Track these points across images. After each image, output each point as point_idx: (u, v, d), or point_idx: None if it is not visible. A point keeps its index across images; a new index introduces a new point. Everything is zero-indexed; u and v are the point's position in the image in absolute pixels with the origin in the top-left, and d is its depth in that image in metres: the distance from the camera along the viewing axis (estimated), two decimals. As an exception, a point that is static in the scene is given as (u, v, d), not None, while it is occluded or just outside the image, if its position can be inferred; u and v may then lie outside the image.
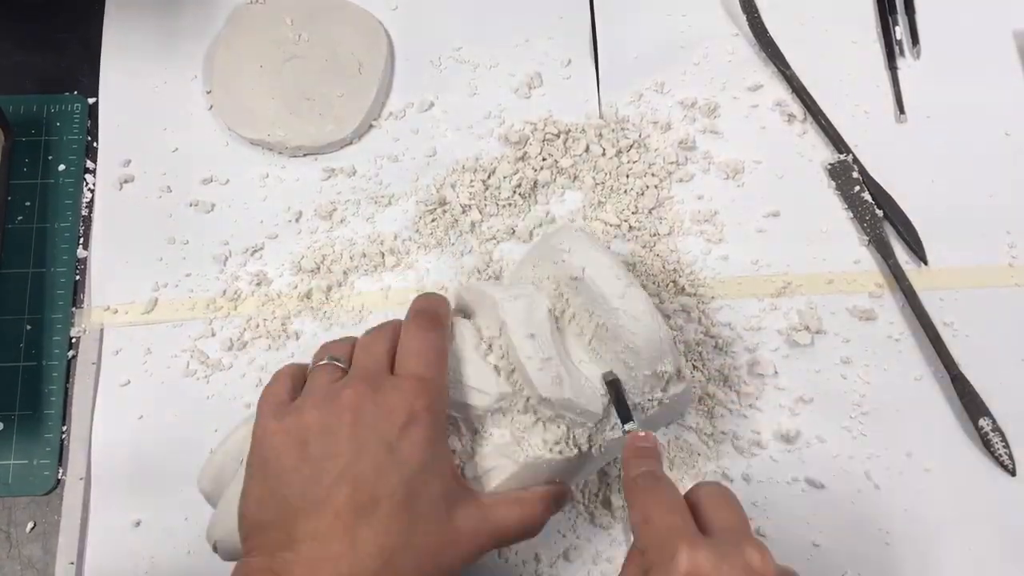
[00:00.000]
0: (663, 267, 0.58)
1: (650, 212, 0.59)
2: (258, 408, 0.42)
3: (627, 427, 0.43)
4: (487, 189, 0.60)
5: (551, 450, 0.44)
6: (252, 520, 0.40)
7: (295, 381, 0.43)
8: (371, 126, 0.63)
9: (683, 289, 0.57)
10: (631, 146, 0.61)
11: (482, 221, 0.59)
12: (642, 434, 0.42)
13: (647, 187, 0.60)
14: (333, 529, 0.37)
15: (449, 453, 0.42)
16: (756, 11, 0.64)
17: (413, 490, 0.38)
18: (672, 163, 0.61)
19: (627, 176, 0.60)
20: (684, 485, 0.51)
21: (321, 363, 0.43)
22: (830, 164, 0.61)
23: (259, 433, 0.41)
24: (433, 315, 0.44)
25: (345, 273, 0.58)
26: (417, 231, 0.59)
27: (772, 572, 0.34)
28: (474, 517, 0.40)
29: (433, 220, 0.59)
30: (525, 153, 0.61)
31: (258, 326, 0.57)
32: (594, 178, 0.60)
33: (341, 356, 0.43)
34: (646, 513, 0.37)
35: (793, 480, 0.54)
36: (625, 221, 0.59)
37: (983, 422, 0.53)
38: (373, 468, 0.38)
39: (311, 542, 0.37)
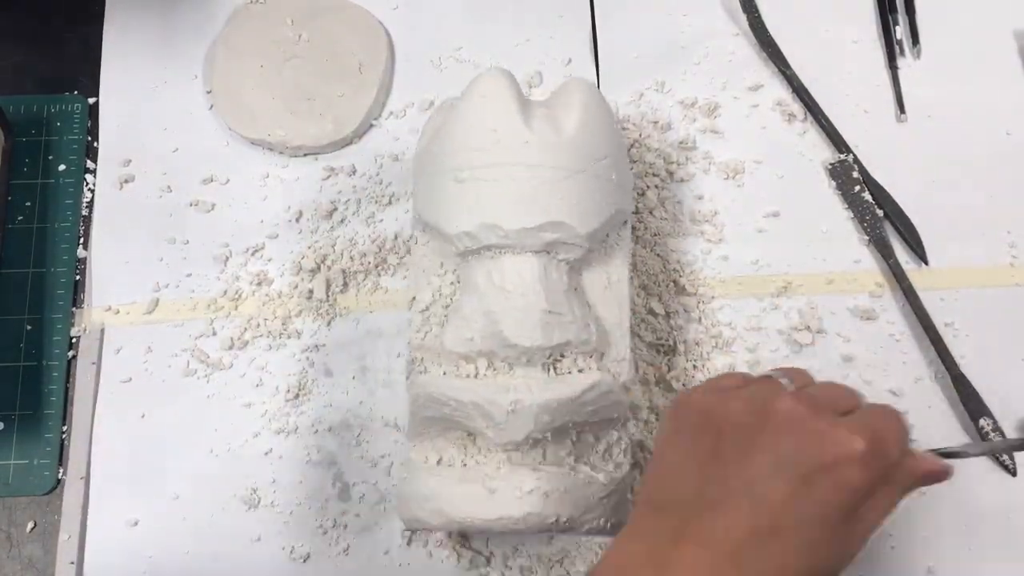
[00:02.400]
0: (663, 267, 0.58)
1: (651, 212, 0.59)
2: (703, 386, 0.41)
3: None
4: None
5: None
6: (647, 495, 0.39)
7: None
8: (371, 126, 0.63)
9: (684, 289, 0.57)
10: (631, 146, 0.61)
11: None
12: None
13: (647, 187, 0.60)
14: (721, 544, 0.35)
15: (865, 527, 0.37)
16: (756, 11, 0.64)
17: (817, 534, 0.35)
18: (672, 163, 0.61)
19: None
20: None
21: (766, 374, 0.41)
22: (830, 164, 0.61)
23: (682, 399, 0.40)
24: (898, 417, 0.40)
25: (345, 273, 0.58)
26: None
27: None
28: (871, 515, 0.37)
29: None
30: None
31: (259, 326, 0.57)
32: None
33: (791, 377, 0.40)
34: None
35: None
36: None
37: (983, 422, 0.53)
38: (783, 495, 0.35)
39: (696, 548, 0.35)
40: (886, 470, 0.36)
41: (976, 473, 0.53)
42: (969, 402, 0.54)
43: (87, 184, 0.61)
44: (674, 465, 0.39)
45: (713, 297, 0.58)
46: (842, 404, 0.39)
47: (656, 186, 0.60)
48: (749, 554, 0.35)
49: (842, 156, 0.60)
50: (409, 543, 0.53)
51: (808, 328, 0.56)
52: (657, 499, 0.38)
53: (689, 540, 0.35)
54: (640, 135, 0.61)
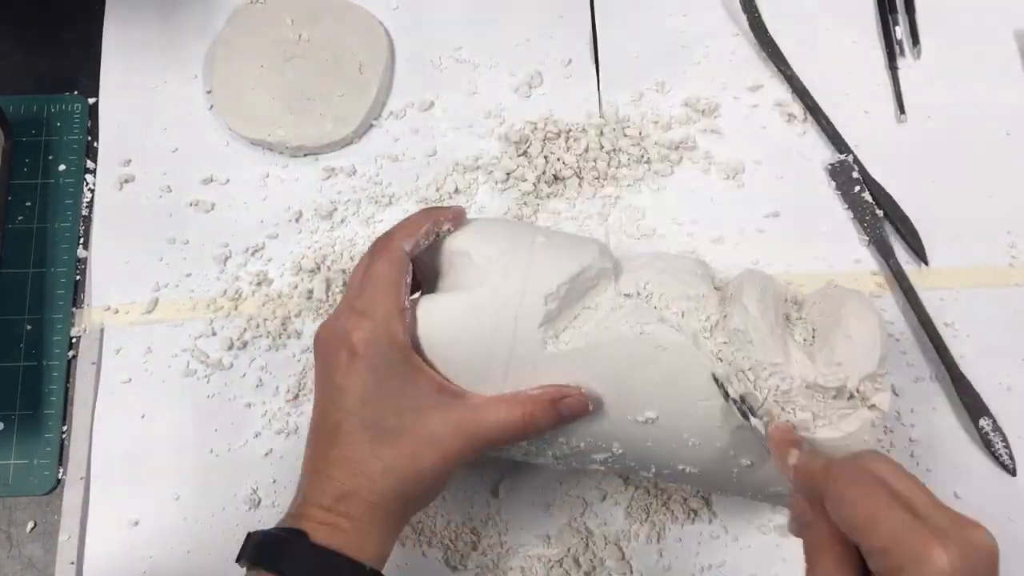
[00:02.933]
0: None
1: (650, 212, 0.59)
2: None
3: (758, 424, 0.41)
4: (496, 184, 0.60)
5: None
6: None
7: None
8: (371, 126, 0.63)
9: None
10: (632, 145, 0.61)
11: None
12: (781, 424, 0.41)
13: (646, 187, 0.60)
14: (317, 444, 0.43)
15: (418, 367, 0.43)
16: (756, 11, 0.64)
17: (367, 411, 0.41)
18: (672, 163, 0.61)
19: (628, 176, 0.60)
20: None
21: None
22: (830, 164, 0.61)
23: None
24: (383, 242, 0.45)
25: (345, 273, 0.58)
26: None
27: (993, 546, 0.34)
28: (454, 420, 0.42)
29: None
30: (526, 152, 0.61)
31: (258, 326, 0.57)
32: (595, 177, 0.60)
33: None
34: (870, 513, 0.33)
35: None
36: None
37: (983, 422, 0.53)
38: (330, 400, 0.42)
39: (311, 455, 0.43)
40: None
41: (976, 473, 0.54)
42: (969, 402, 0.54)
43: (87, 184, 0.61)
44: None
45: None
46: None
47: (657, 188, 0.60)
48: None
49: (842, 156, 0.60)
50: (403, 544, 0.53)
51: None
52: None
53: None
54: (640, 135, 0.61)
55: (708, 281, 0.46)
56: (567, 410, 0.43)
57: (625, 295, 0.45)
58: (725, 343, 0.43)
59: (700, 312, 0.44)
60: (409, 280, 0.44)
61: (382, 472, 0.41)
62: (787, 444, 0.39)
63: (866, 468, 0.35)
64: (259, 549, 0.41)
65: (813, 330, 0.44)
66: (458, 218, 0.46)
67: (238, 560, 0.41)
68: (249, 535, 0.42)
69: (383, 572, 0.41)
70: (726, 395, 0.42)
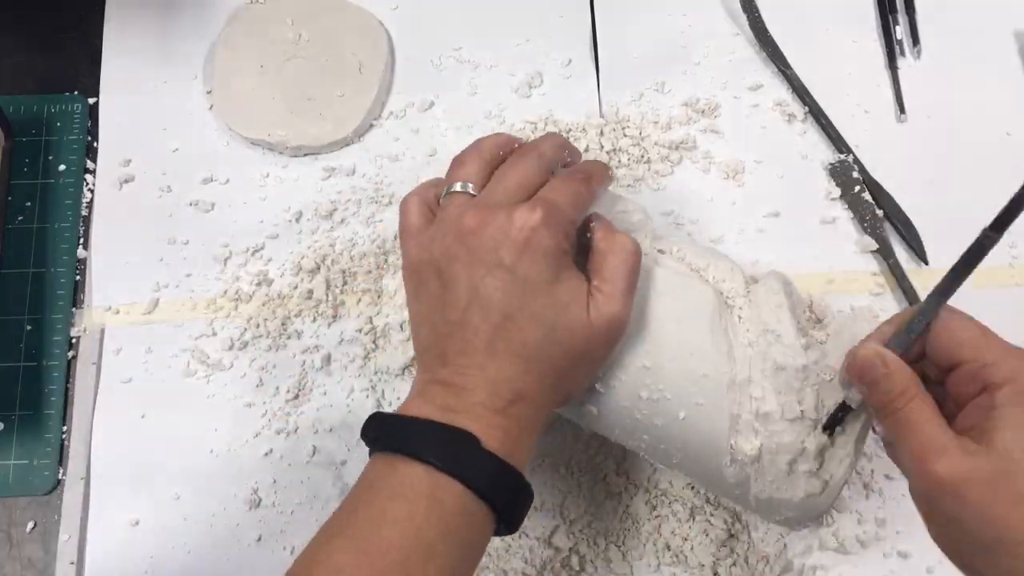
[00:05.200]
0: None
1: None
2: (401, 242, 0.45)
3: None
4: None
5: None
6: (417, 345, 0.43)
7: (428, 205, 0.45)
8: (371, 126, 0.63)
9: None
10: (632, 145, 0.61)
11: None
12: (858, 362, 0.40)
13: (646, 188, 0.60)
14: (474, 346, 0.40)
15: (575, 273, 0.42)
16: (756, 11, 0.64)
17: (541, 302, 0.40)
18: (672, 163, 0.61)
19: (628, 175, 0.60)
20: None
21: (453, 190, 0.44)
22: (830, 164, 0.61)
23: (406, 263, 0.44)
24: (585, 174, 0.45)
25: (345, 273, 0.58)
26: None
27: None
28: (607, 305, 0.41)
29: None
30: (525, 153, 0.61)
31: (259, 326, 0.57)
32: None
33: (475, 181, 0.44)
34: (977, 335, 0.38)
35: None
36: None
37: (983, 422, 0.53)
38: (499, 289, 0.40)
39: (458, 358, 0.40)
40: (566, 227, 0.41)
41: (976, 473, 0.54)
42: (969, 402, 0.54)
43: (87, 184, 0.61)
44: (417, 321, 0.43)
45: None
46: (528, 185, 0.43)
47: (657, 189, 0.60)
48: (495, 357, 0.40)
49: (842, 156, 0.60)
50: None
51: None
52: (419, 353, 0.44)
53: (439, 389, 0.40)
54: (640, 134, 0.61)
55: (739, 272, 0.47)
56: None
57: (659, 251, 0.46)
58: (748, 332, 0.43)
59: (730, 285, 0.45)
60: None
61: (551, 368, 0.40)
62: (870, 344, 0.40)
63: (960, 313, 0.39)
64: (435, 445, 0.38)
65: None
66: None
67: (392, 449, 0.39)
68: (404, 420, 0.39)
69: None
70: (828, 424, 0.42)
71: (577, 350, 0.41)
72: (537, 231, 0.40)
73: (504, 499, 0.38)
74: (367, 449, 0.56)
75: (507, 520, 0.39)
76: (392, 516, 0.37)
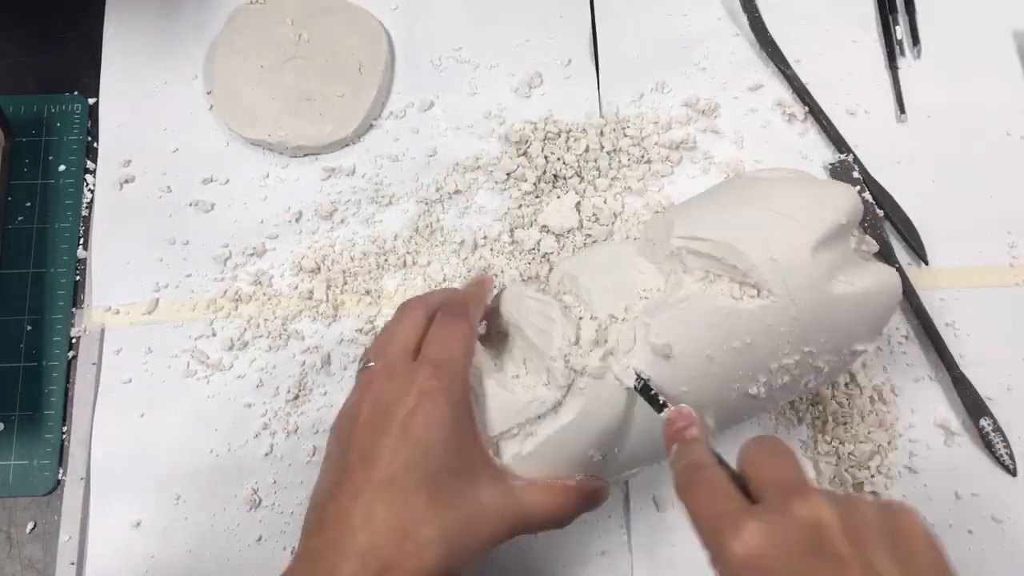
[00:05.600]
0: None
1: (652, 212, 0.59)
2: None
3: (663, 415, 0.40)
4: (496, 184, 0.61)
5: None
6: (310, 505, 0.41)
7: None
8: (371, 126, 0.63)
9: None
10: (632, 146, 0.61)
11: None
12: (673, 412, 0.39)
13: (647, 189, 0.60)
14: (352, 508, 0.38)
15: (473, 433, 0.42)
16: (757, 11, 0.64)
17: (429, 467, 0.38)
18: (672, 163, 0.61)
19: (628, 175, 0.60)
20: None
21: (360, 370, 0.45)
22: (831, 164, 0.61)
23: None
24: (461, 306, 0.45)
25: (345, 273, 0.58)
26: (416, 230, 0.59)
27: (830, 516, 0.32)
28: (501, 497, 0.40)
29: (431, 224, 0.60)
30: (526, 153, 0.61)
31: (259, 326, 0.57)
32: (595, 177, 0.60)
33: (374, 355, 0.44)
34: (695, 509, 0.35)
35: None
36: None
37: (984, 422, 0.53)
38: (388, 448, 0.39)
39: (335, 523, 0.38)
40: (454, 379, 0.41)
41: (976, 474, 0.54)
42: (969, 402, 0.54)
43: (87, 184, 0.61)
44: (313, 492, 0.42)
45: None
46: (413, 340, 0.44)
47: (658, 189, 0.60)
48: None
49: (842, 156, 0.60)
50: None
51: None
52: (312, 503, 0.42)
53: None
54: (641, 135, 0.61)
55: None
56: (595, 497, 0.43)
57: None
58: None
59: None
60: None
61: (436, 541, 0.37)
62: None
63: (701, 465, 0.36)
64: None
65: None
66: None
67: None
68: None
69: None
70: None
71: (461, 528, 0.38)
72: (429, 395, 0.40)
73: None
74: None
75: None
76: None
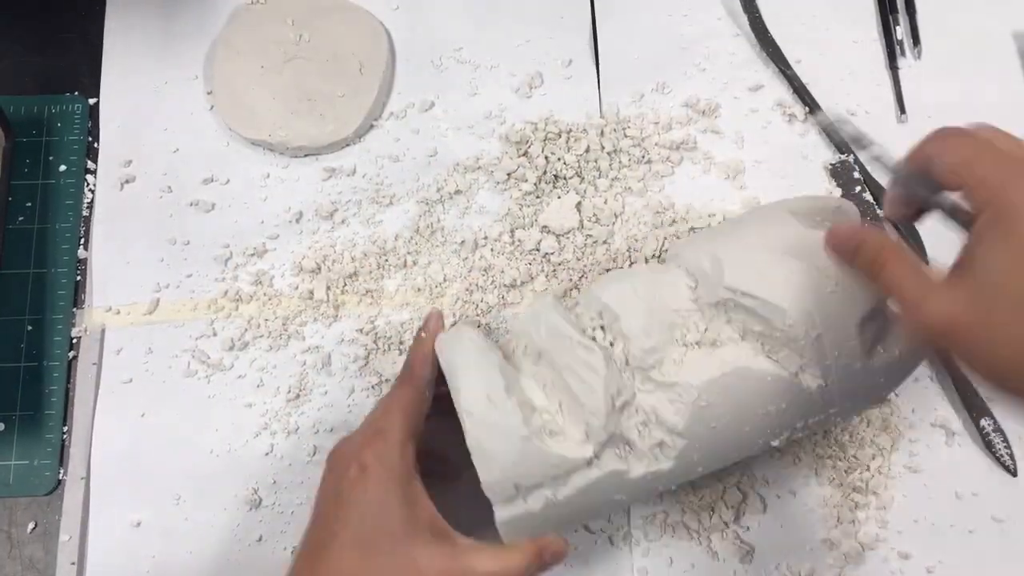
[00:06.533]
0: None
1: (653, 213, 0.59)
2: None
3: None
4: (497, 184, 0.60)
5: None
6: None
7: None
8: (372, 126, 0.63)
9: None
10: (632, 146, 0.61)
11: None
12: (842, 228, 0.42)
13: (648, 188, 0.60)
14: (300, 569, 0.43)
15: (417, 496, 0.43)
16: (757, 11, 0.64)
17: (364, 528, 0.42)
18: (673, 163, 0.61)
19: (628, 176, 0.60)
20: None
21: None
22: (831, 164, 0.61)
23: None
24: (406, 371, 0.48)
25: (346, 273, 0.58)
26: (417, 231, 0.59)
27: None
28: (442, 557, 0.41)
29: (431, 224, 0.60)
30: (527, 153, 0.61)
31: (259, 326, 0.57)
32: (595, 177, 0.60)
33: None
34: (895, 285, 0.37)
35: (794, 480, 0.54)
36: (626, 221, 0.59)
37: (984, 422, 0.54)
38: (331, 513, 0.43)
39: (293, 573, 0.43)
40: (391, 451, 0.44)
41: (976, 473, 0.54)
42: (970, 402, 0.54)
43: (87, 184, 0.61)
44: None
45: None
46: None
47: (658, 190, 0.60)
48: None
49: (843, 156, 0.60)
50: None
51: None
52: None
53: None
54: (641, 135, 0.61)
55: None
56: (552, 558, 0.44)
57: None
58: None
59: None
60: (427, 407, 0.47)
61: None
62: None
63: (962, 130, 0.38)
64: None
65: None
66: (431, 323, 0.49)
67: None
68: None
69: None
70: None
71: None
72: (365, 464, 0.43)
73: None
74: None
75: None
76: None
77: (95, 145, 0.63)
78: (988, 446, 0.53)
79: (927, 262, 0.58)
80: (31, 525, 0.54)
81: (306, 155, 0.62)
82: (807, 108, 0.62)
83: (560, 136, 0.61)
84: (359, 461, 0.43)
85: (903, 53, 0.64)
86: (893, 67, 0.63)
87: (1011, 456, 0.53)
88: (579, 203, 0.59)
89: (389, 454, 0.43)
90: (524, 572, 0.42)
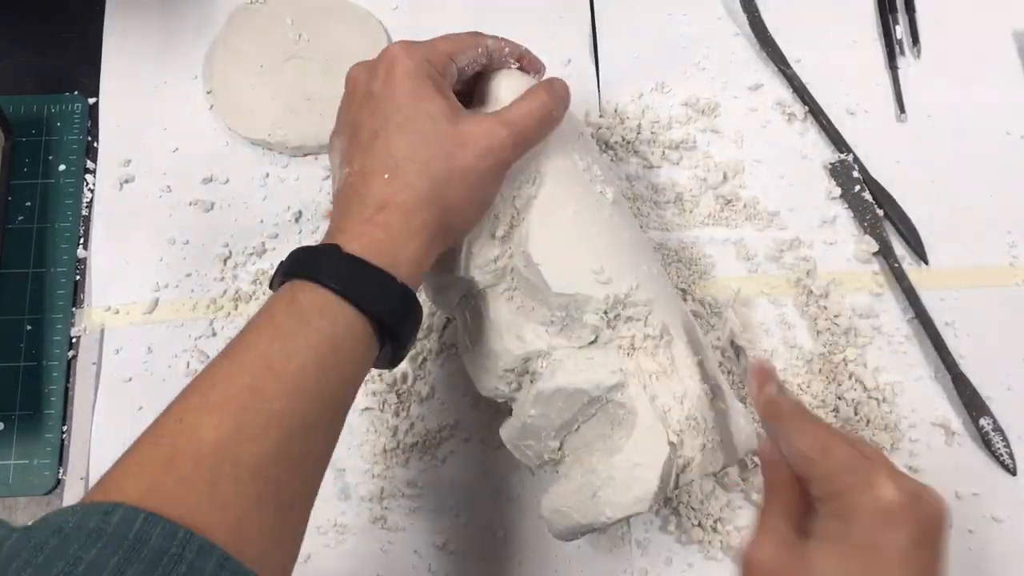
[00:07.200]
0: (664, 267, 0.58)
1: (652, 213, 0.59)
2: None
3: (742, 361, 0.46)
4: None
5: None
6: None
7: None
8: (371, 126, 0.63)
9: (683, 290, 0.57)
10: (632, 145, 0.61)
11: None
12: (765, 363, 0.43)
13: (648, 187, 0.60)
14: (349, 172, 0.43)
15: (444, 93, 0.44)
16: (757, 10, 0.64)
17: (402, 116, 0.43)
18: (672, 163, 0.61)
19: (627, 176, 0.60)
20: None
21: None
22: (830, 164, 0.61)
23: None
24: (467, 35, 0.48)
25: (345, 273, 0.58)
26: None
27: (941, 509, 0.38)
28: (485, 121, 0.43)
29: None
30: (525, 153, 0.61)
31: (258, 326, 0.57)
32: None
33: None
34: (823, 443, 0.37)
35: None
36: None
37: (984, 422, 0.53)
38: (366, 112, 0.44)
39: (347, 188, 0.43)
40: (429, 55, 0.45)
41: (976, 473, 0.54)
42: (969, 402, 0.54)
43: (87, 184, 0.61)
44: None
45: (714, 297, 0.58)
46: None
47: (657, 188, 0.60)
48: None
49: (842, 156, 0.60)
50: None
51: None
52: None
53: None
54: (640, 134, 0.61)
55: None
56: (560, 88, 0.46)
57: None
58: None
59: None
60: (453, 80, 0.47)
61: (417, 174, 0.41)
62: (765, 378, 0.41)
63: (805, 410, 0.40)
64: (295, 260, 0.41)
65: None
66: (519, 58, 0.49)
67: (274, 278, 0.42)
68: (290, 253, 0.42)
69: (416, 292, 0.41)
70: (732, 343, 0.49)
71: (445, 156, 0.42)
72: (397, 57, 0.44)
73: (370, 297, 0.39)
74: (366, 449, 0.56)
75: (390, 328, 0.40)
76: (253, 321, 0.39)
77: (95, 145, 0.63)
78: (988, 445, 0.53)
79: (926, 260, 0.58)
80: (30, 525, 0.54)
81: (305, 155, 0.62)
82: (806, 108, 0.62)
83: (560, 136, 0.61)
84: (389, 58, 0.44)
85: (902, 53, 0.64)
86: (892, 67, 0.63)
87: (1011, 455, 0.53)
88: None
89: (419, 50, 0.44)
90: (549, 105, 0.45)
